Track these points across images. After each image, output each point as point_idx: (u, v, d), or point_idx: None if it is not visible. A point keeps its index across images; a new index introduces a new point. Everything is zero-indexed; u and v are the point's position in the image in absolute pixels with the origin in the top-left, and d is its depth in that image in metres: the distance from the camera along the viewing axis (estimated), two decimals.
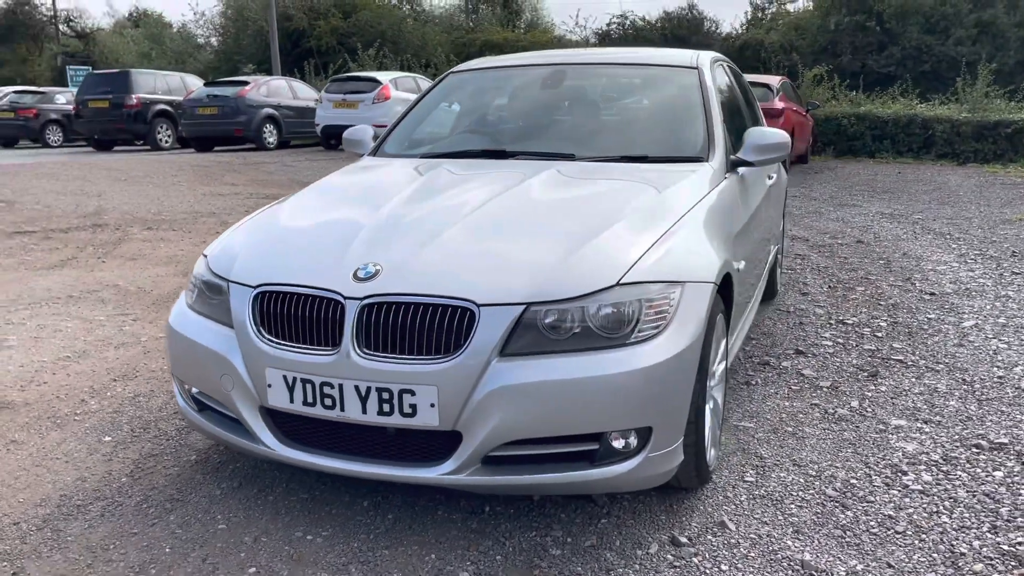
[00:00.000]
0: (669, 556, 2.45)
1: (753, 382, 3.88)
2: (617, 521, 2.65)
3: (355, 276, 2.45)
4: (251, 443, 2.60)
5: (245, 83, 17.37)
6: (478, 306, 2.33)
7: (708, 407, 2.83)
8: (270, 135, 17.36)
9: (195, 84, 19.26)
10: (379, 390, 2.34)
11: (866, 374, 3.98)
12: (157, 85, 18.79)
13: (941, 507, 2.73)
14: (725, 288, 2.97)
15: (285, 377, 2.45)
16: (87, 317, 5.05)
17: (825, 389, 3.79)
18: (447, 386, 2.30)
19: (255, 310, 2.55)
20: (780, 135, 3.51)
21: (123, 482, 2.95)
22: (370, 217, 2.83)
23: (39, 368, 4.12)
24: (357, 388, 2.36)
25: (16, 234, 7.82)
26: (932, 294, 5.55)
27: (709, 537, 2.55)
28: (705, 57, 4.02)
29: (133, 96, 18.02)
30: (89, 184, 11.09)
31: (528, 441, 2.36)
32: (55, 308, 5.26)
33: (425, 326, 2.34)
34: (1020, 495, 2.81)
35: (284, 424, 2.56)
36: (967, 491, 2.84)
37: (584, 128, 3.75)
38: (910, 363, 4.14)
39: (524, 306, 2.33)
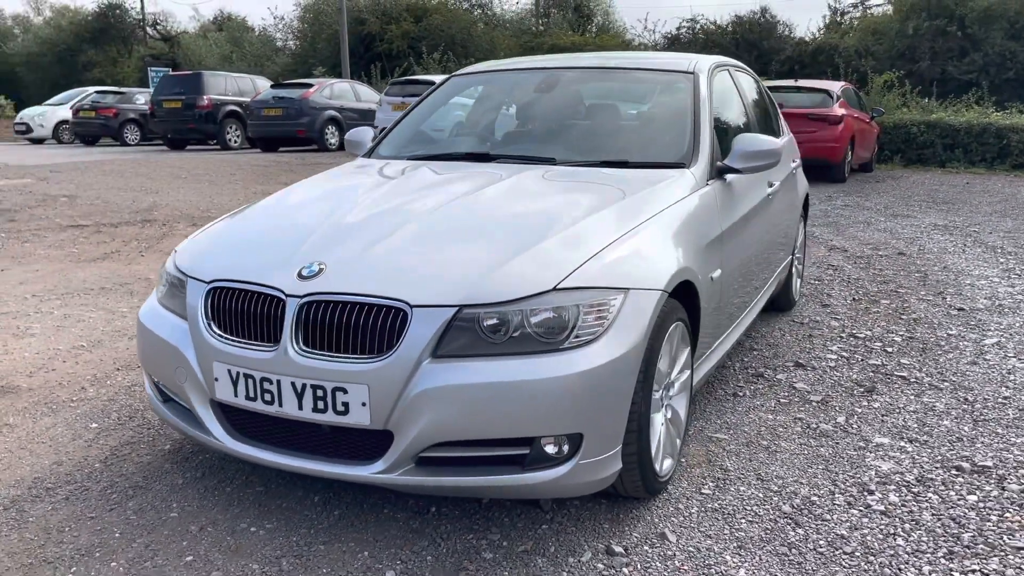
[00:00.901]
0: (600, 565, 2.43)
1: (741, 393, 3.80)
2: (558, 527, 2.63)
3: (299, 275, 2.49)
4: (204, 435, 2.67)
5: (309, 85, 17.79)
6: (411, 307, 2.35)
7: (663, 416, 2.80)
8: (332, 136, 17.70)
9: (264, 86, 19.78)
10: (314, 387, 2.39)
11: (863, 390, 3.86)
12: (228, 87, 19.39)
13: (900, 529, 2.63)
14: (690, 296, 2.93)
15: (230, 371, 2.52)
16: (112, 308, 5.25)
17: (815, 403, 3.69)
18: (378, 385, 2.33)
19: (207, 305, 2.62)
20: (769, 143, 3.44)
21: (96, 468, 3.06)
22: (330, 217, 2.89)
23: (52, 356, 4.30)
24: (294, 384, 2.41)
25: (70, 227, 8.18)
26: (961, 309, 5.34)
27: (646, 548, 2.52)
28: (705, 63, 3.96)
29: (204, 97, 18.63)
30: (150, 181, 11.50)
31: (459, 443, 2.37)
32: (85, 299, 5.49)
33: (360, 325, 2.37)
34: (989, 521, 2.69)
35: (233, 418, 2.62)
36: (933, 514, 2.73)
37: (570, 132, 3.73)
38: (913, 380, 4.00)
39: (456, 308, 2.34)
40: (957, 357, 4.36)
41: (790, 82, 14.15)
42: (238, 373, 2.50)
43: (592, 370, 2.34)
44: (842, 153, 12.67)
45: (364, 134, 4.15)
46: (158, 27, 45.02)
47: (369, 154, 3.99)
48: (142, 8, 44.34)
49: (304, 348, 2.41)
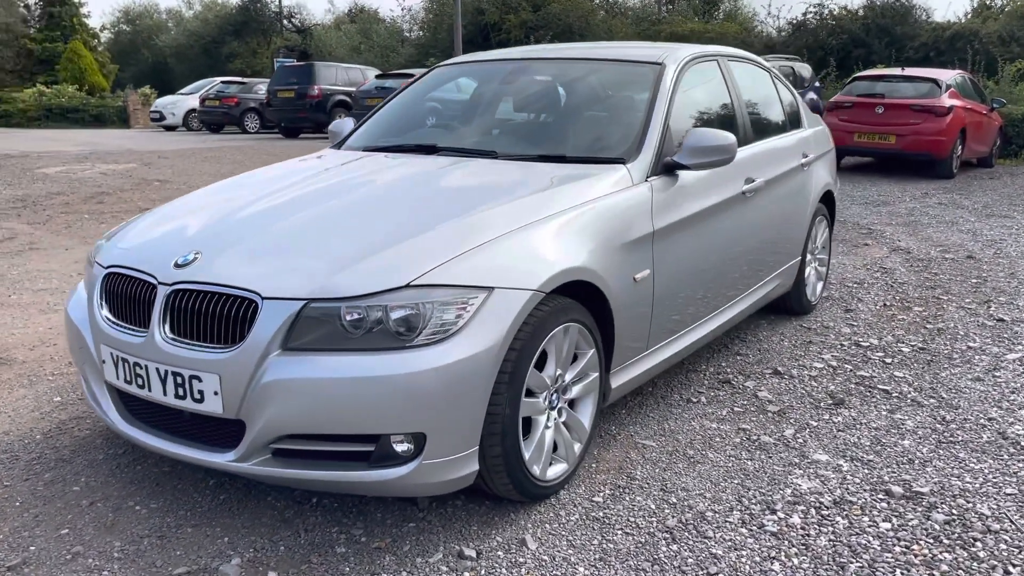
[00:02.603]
0: (444, 568, 2.38)
1: (696, 400, 3.63)
2: (425, 526, 2.60)
3: (176, 263, 2.56)
4: (103, 415, 2.79)
5: (411, 75, 18.10)
6: (262, 299, 2.37)
7: (552, 419, 2.72)
8: None
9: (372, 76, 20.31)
10: (174, 374, 2.45)
11: (831, 402, 3.61)
12: (338, 77, 20.04)
13: (783, 553, 2.46)
14: (598, 298, 2.83)
15: (112, 354, 2.62)
16: None
17: (770, 414, 3.48)
18: (228, 375, 2.37)
19: (103, 290, 2.74)
20: (721, 137, 3.25)
21: (36, 439, 3.25)
22: (235, 208, 2.95)
23: (61, 331, 4.59)
24: (158, 370, 2.48)
25: (143, 209, 8.66)
26: (1000, 320, 4.90)
27: (500, 553, 2.45)
28: (682, 53, 3.79)
29: (315, 87, 19.33)
30: (241, 168, 12.03)
31: (307, 436, 2.38)
32: None
33: (217, 314, 2.42)
34: (891, 551, 2.47)
35: (127, 400, 2.72)
36: (831, 540, 2.53)
37: (518, 125, 3.66)
38: (896, 394, 3.71)
39: (304, 302, 2.35)
40: (963, 372, 4.01)
41: (896, 70, 13.33)
42: (117, 356, 2.60)
43: (436, 369, 2.30)
44: (948, 147, 11.83)
45: (343, 125, 4.22)
46: (293, 20, 46.96)
47: (339, 145, 4.05)
48: (279, 1, 46.35)
49: (170, 335, 2.48)
